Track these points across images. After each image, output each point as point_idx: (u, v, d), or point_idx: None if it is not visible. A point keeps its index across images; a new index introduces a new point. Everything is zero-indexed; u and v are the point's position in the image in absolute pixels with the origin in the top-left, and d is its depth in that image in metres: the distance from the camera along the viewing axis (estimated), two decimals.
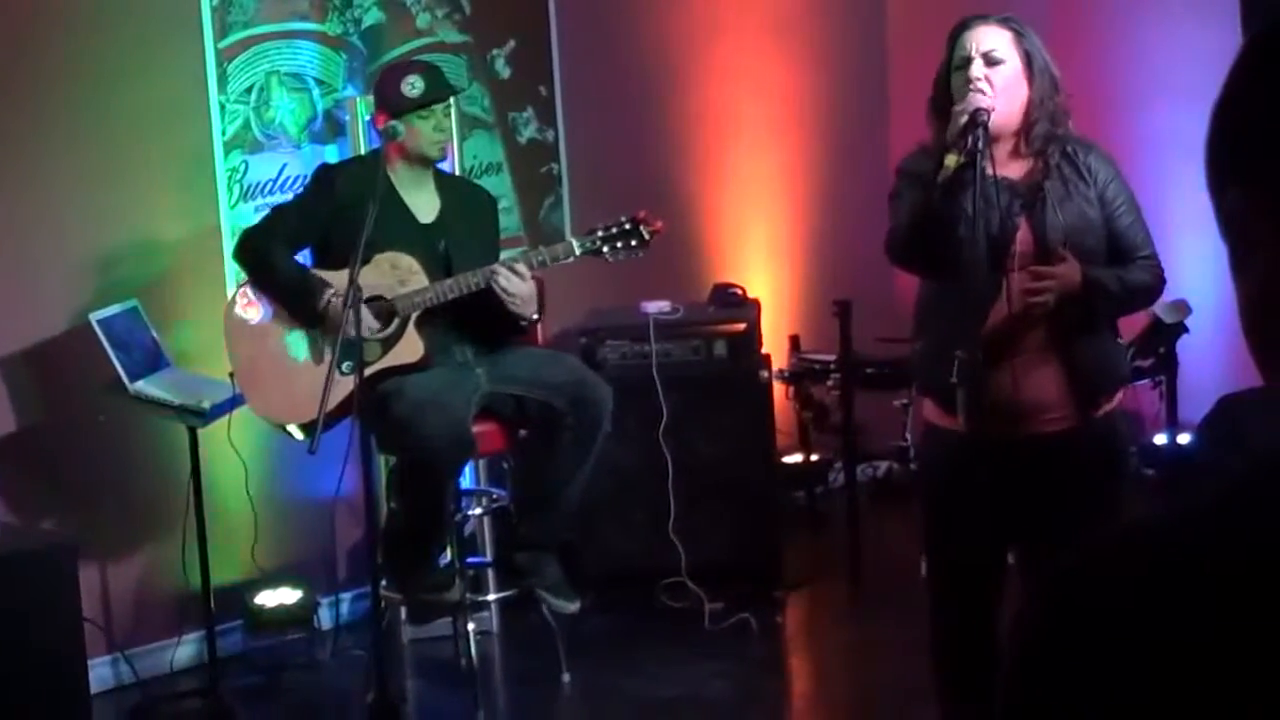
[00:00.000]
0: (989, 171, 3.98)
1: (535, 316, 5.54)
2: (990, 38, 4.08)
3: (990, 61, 4.06)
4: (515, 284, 5.39)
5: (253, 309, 5.54)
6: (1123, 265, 4.18)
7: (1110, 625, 1.10)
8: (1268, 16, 1.12)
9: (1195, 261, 6.69)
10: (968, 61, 4.06)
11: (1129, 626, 1.09)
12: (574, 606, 5.77)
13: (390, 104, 5.56)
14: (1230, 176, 1.13)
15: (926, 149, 4.19)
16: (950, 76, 4.12)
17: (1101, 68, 7.23)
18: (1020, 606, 1.18)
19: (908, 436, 7.34)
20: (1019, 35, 4.10)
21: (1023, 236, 4.11)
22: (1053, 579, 1.16)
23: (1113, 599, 1.11)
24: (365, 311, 5.19)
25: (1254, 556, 1.07)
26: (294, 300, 5.48)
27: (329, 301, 5.37)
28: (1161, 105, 7.10)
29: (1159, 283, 4.26)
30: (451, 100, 5.88)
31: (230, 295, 5.73)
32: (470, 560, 6.04)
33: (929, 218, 4.04)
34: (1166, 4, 7.28)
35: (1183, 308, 6.43)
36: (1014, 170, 4.11)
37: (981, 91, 4.03)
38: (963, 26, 4.13)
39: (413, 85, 5.54)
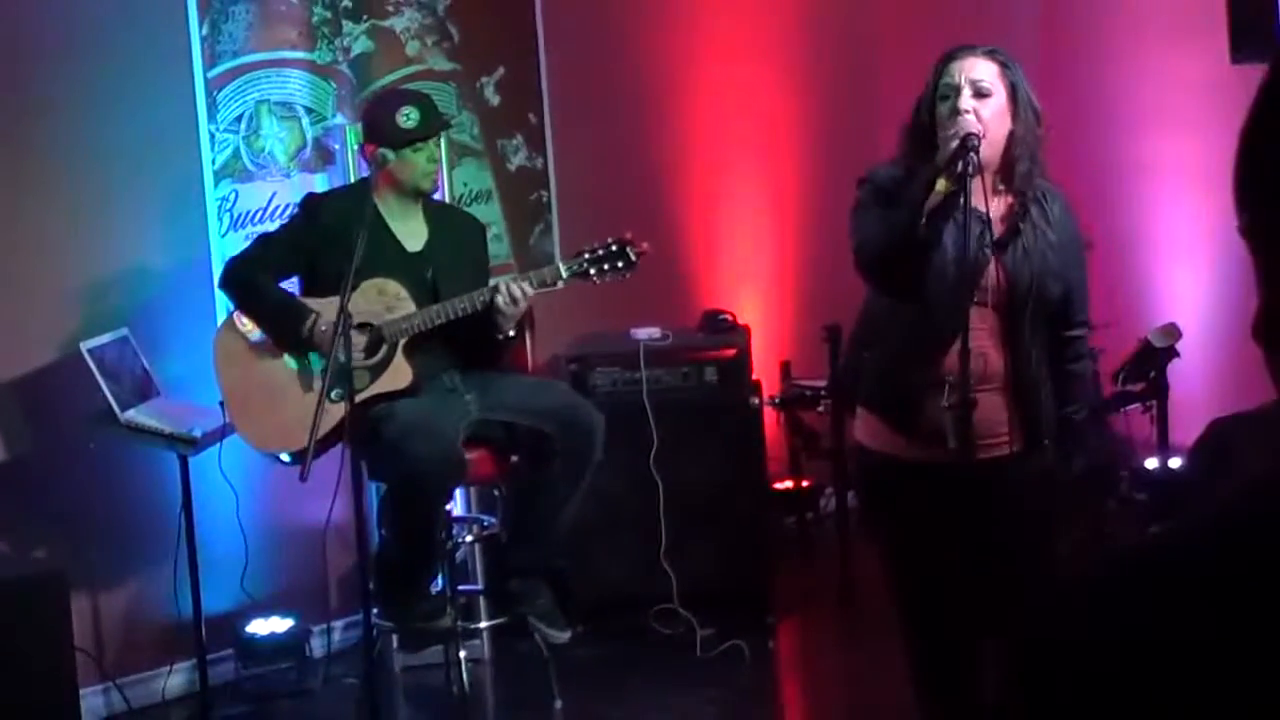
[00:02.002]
0: (972, 201, 4.00)
1: (513, 334, 5.53)
2: (979, 68, 4.09)
3: (978, 92, 4.06)
4: (517, 293, 5.39)
5: (242, 338, 5.54)
6: (1063, 362, 4.28)
7: (1101, 653, 1.10)
8: (1260, 45, 1.14)
9: (1185, 287, 6.71)
10: (956, 90, 4.07)
11: (1120, 653, 1.09)
12: (565, 636, 5.76)
13: (383, 135, 5.55)
14: (1260, 193, 1.14)
15: (897, 166, 4.20)
16: (934, 105, 4.12)
17: (1092, 95, 7.24)
18: (1010, 632, 1.18)
19: None
20: (1005, 68, 4.11)
21: (992, 272, 4.12)
22: (1040, 607, 1.17)
23: (1104, 625, 1.11)
24: (353, 336, 5.19)
25: (1249, 577, 1.07)
26: (279, 327, 5.48)
27: (314, 326, 5.37)
28: (1152, 133, 7.11)
29: (1094, 375, 4.36)
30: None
31: (220, 324, 5.73)
32: (462, 588, 6.03)
33: (912, 241, 4.04)
34: (1156, 32, 7.30)
35: (1173, 332, 6.44)
36: (991, 205, 4.11)
37: (971, 121, 4.04)
38: (950, 56, 4.14)
39: (408, 117, 5.54)
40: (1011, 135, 4.10)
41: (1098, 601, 1.14)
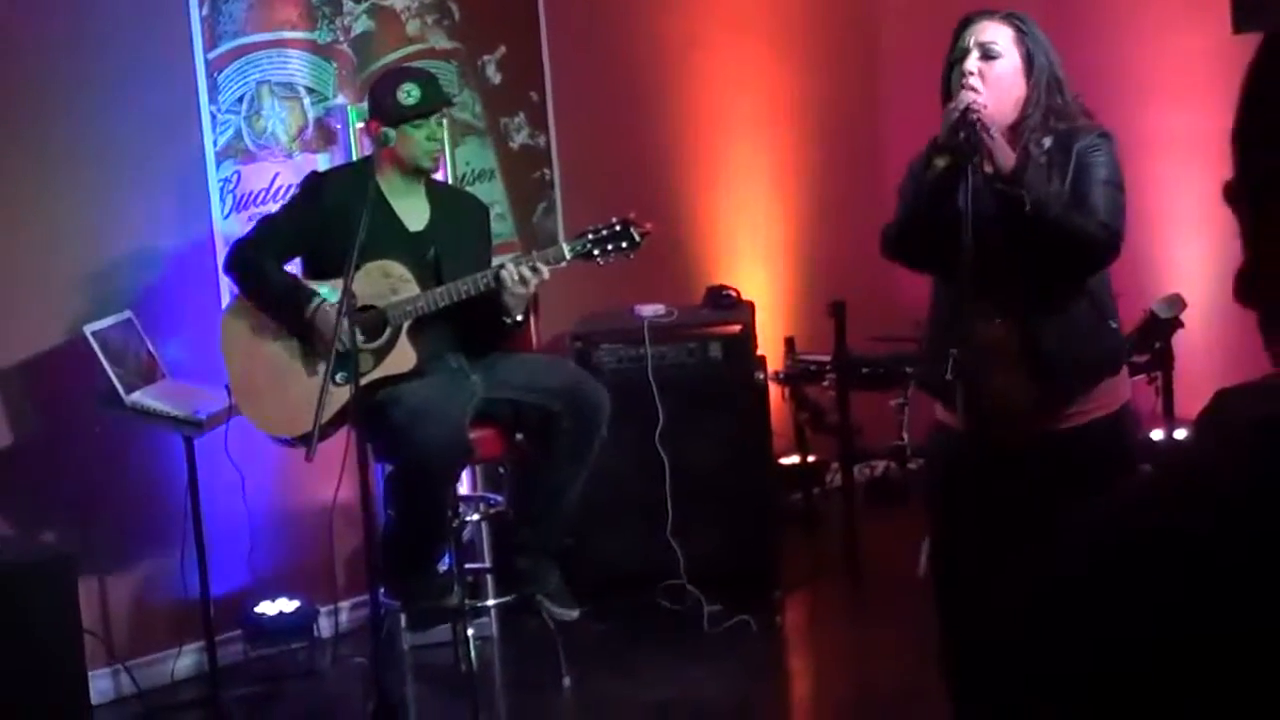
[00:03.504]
0: (985, 169, 3.98)
1: (520, 319, 5.53)
2: (990, 31, 4.07)
3: (987, 54, 4.05)
4: (527, 273, 5.38)
5: (248, 320, 5.54)
6: None
7: (1101, 593, 1.13)
8: (1262, 15, 1.15)
9: (1191, 258, 6.71)
10: (966, 54, 4.06)
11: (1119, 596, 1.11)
12: (574, 614, 5.76)
13: (385, 111, 5.55)
14: (1248, 149, 1.15)
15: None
16: (949, 68, 4.12)
17: (1095, 69, 7.23)
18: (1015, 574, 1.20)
19: (904, 436, 7.33)
20: (1021, 33, 4.09)
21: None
22: (1045, 551, 1.18)
23: (1103, 566, 1.14)
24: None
25: (1221, 521, 1.09)
26: (283, 310, 5.48)
27: (317, 309, 5.36)
28: (1154, 105, 7.10)
29: (1105, 241, 4.03)
30: (444, 110, 5.88)
31: (226, 306, 5.73)
32: (469, 566, 6.03)
33: (917, 218, 4.04)
34: (1158, 3, 7.29)
35: (1179, 302, 6.44)
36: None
37: (972, 88, 4.02)
38: (966, 21, 4.13)
39: (409, 93, 5.54)
40: (1025, 99, 4.08)
41: (1097, 545, 1.16)
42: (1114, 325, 4.20)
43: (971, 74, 4.03)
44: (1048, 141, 4.09)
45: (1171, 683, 1.07)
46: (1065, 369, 4.09)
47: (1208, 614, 1.07)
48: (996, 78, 4.05)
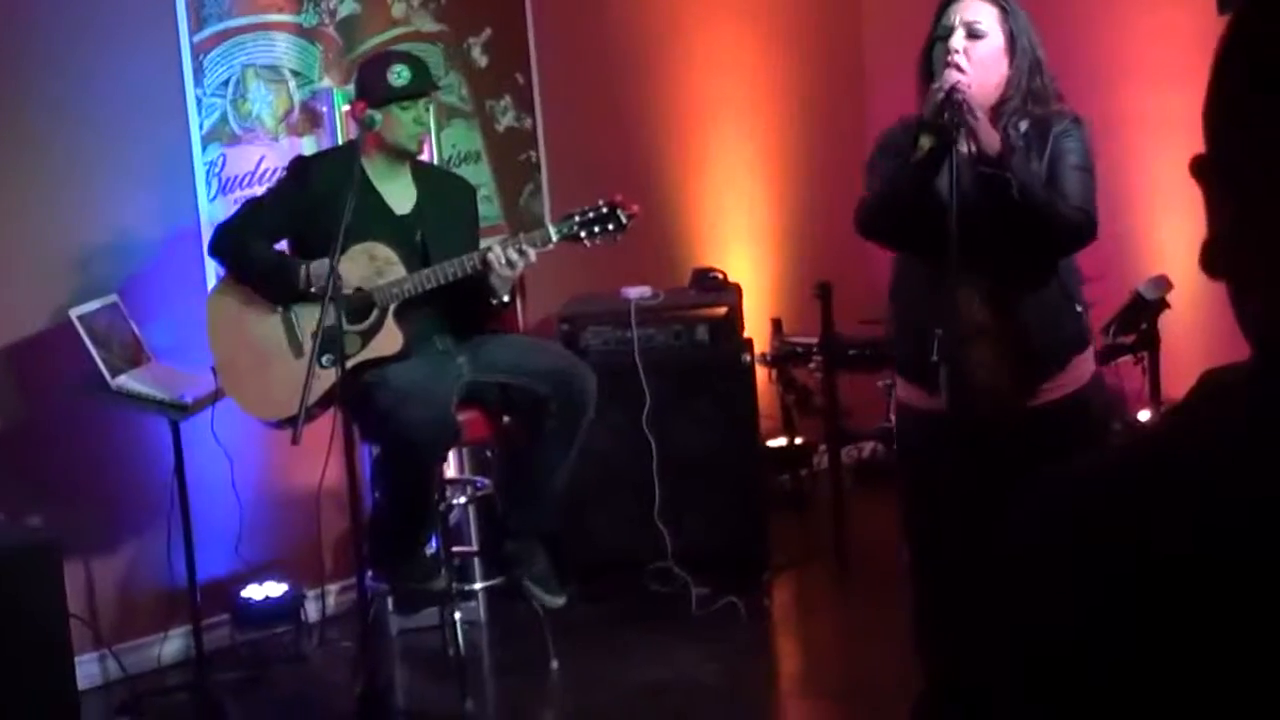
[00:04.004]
0: (966, 150, 3.98)
1: (506, 300, 5.52)
2: (975, 10, 4.08)
3: (972, 34, 4.06)
4: (514, 255, 5.37)
5: (234, 303, 5.53)
6: None
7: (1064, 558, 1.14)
8: None
9: (1177, 238, 6.71)
10: (950, 31, 4.06)
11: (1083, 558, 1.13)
12: (560, 600, 5.76)
13: (373, 92, 5.54)
14: (1227, 130, 1.17)
15: (907, 121, 4.18)
16: (930, 45, 4.12)
17: (1079, 47, 7.22)
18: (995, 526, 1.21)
19: (891, 418, 7.31)
20: (1005, 12, 4.10)
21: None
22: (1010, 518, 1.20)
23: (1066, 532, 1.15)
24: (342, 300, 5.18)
25: (1195, 474, 1.10)
26: (273, 283, 5.47)
27: (308, 276, 5.35)
28: (1140, 85, 7.10)
29: (1084, 224, 4.08)
30: (432, 95, 5.87)
31: (211, 289, 5.72)
32: (456, 549, 6.03)
33: (900, 196, 4.04)
34: None
35: (1165, 283, 6.44)
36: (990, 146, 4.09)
37: (958, 66, 4.02)
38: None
39: (399, 74, 5.53)
40: (1007, 79, 4.09)
41: (1063, 506, 1.17)
42: (1079, 309, 4.27)
43: (957, 52, 4.03)
44: (1024, 124, 4.11)
45: (1118, 658, 1.08)
46: (1044, 347, 4.16)
47: (1151, 588, 1.08)
48: (981, 58, 4.06)
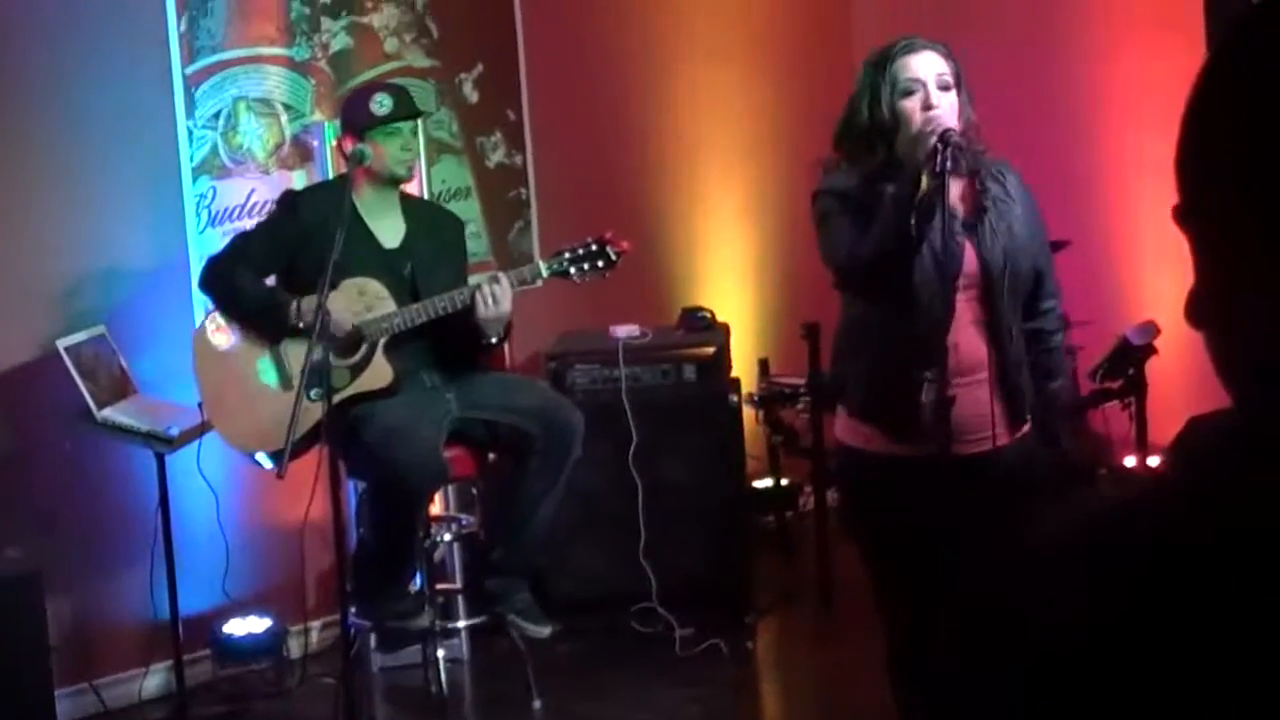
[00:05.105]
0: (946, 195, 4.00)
1: (496, 339, 5.52)
2: (938, 63, 4.10)
3: (943, 86, 4.08)
4: (500, 293, 5.36)
5: (221, 336, 5.53)
6: (1037, 333, 4.31)
7: (1039, 620, 1.13)
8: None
9: (1163, 284, 6.71)
10: (921, 85, 4.07)
11: (1061, 622, 1.12)
12: (545, 631, 5.75)
13: (357, 122, 5.54)
14: (1194, 175, 1.17)
15: (839, 166, 4.21)
16: (892, 99, 4.10)
17: (1067, 91, 7.25)
18: (954, 601, 1.21)
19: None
20: (950, 59, 4.13)
21: (968, 258, 4.13)
22: (985, 576, 1.19)
23: (1042, 594, 1.14)
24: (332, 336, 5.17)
25: (1181, 550, 1.09)
26: (263, 319, 5.46)
27: (298, 311, 5.34)
28: (1129, 129, 7.11)
29: (1072, 373, 4.35)
30: (419, 121, 5.87)
31: (199, 323, 5.71)
32: (440, 587, 6.02)
33: (904, 243, 4.03)
34: (1132, 26, 7.30)
35: (1152, 329, 6.44)
36: (953, 190, 4.10)
37: (940, 120, 4.04)
38: (907, 49, 4.12)
39: (380, 103, 5.53)
40: (962, 124, 4.12)
41: (1037, 571, 1.16)
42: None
43: (937, 108, 4.05)
44: (990, 184, 4.18)
45: (1103, 706, 1.07)
46: (1021, 386, 4.24)
47: (1141, 643, 1.07)
48: (951, 109, 4.08)
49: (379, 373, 5.44)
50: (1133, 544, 1.12)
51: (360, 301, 5.45)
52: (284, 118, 6.53)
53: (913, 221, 3.99)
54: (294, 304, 5.39)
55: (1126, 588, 1.09)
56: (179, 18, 6.24)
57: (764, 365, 7.47)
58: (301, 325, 5.33)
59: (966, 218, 4.16)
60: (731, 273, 7.88)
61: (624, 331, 6.69)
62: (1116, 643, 1.08)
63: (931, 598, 4.18)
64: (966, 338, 4.12)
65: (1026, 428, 4.28)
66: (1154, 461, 6.57)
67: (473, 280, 5.57)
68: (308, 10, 6.54)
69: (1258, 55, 1.13)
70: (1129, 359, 6.49)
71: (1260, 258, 1.10)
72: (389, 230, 5.65)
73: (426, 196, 6.52)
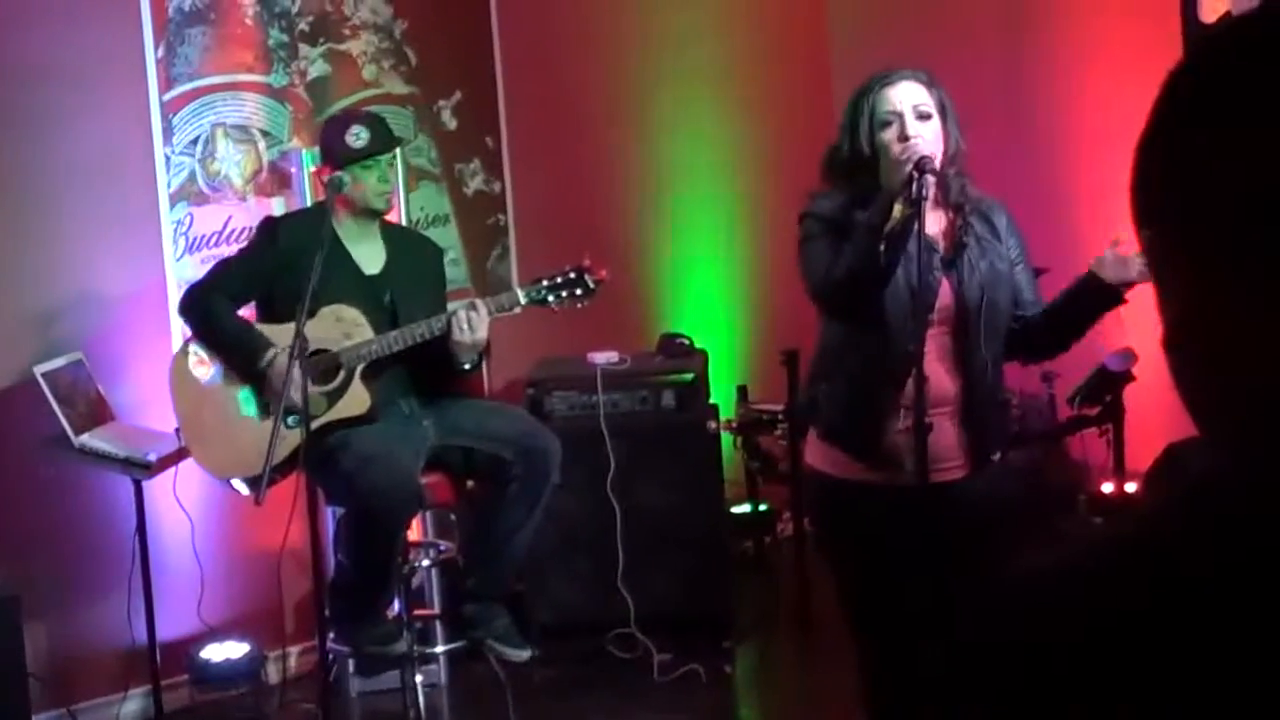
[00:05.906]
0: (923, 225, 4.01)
1: (471, 366, 5.51)
2: (917, 92, 4.11)
3: (920, 116, 4.09)
4: (476, 321, 5.36)
5: (199, 364, 5.52)
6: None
7: (1036, 654, 1.12)
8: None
9: (1143, 310, 6.73)
10: (898, 116, 4.08)
11: (1055, 654, 1.11)
12: (524, 654, 5.74)
13: (334, 155, 5.54)
14: (1149, 214, 1.16)
15: (832, 195, 4.22)
16: (870, 131, 4.12)
17: (1049, 117, 7.27)
18: (947, 635, 1.20)
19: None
20: (932, 88, 4.14)
21: (943, 292, 4.14)
22: (977, 609, 1.18)
23: (1040, 626, 1.13)
24: (309, 363, 5.16)
25: (1180, 579, 1.09)
26: (236, 357, 5.45)
27: (272, 360, 5.34)
28: (1106, 154, 7.13)
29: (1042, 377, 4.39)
30: (396, 151, 5.87)
31: (176, 350, 5.71)
32: (418, 613, 6.01)
33: (875, 268, 4.04)
34: (1111, 54, 7.33)
35: (1131, 356, 6.45)
36: (932, 223, 4.12)
37: (920, 150, 4.04)
38: (885, 81, 4.14)
39: (357, 136, 5.52)
40: (945, 154, 4.12)
41: (1034, 604, 1.16)
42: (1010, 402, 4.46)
43: (916, 137, 4.06)
44: (975, 220, 4.19)
45: None
46: (990, 421, 4.26)
47: (1142, 678, 1.07)
48: (932, 138, 4.09)
49: (356, 399, 5.43)
50: (1131, 580, 1.11)
51: (338, 328, 5.45)
52: (262, 144, 6.53)
53: (882, 249, 4.00)
54: (267, 352, 5.35)
55: (1126, 623, 1.09)
56: (156, 44, 6.24)
57: (743, 391, 7.48)
58: (270, 376, 5.32)
59: (945, 253, 4.16)
60: (710, 299, 7.89)
61: (602, 358, 6.69)
62: (1115, 677, 1.07)
63: (901, 624, 4.21)
64: (936, 371, 4.12)
65: (996, 457, 4.29)
66: (1131, 488, 6.58)
67: (451, 307, 5.57)
68: (286, 37, 6.55)
69: (1235, 67, 1.12)
70: (1107, 385, 6.50)
71: (1260, 280, 1.08)
72: (369, 257, 5.64)
73: (405, 223, 6.52)
